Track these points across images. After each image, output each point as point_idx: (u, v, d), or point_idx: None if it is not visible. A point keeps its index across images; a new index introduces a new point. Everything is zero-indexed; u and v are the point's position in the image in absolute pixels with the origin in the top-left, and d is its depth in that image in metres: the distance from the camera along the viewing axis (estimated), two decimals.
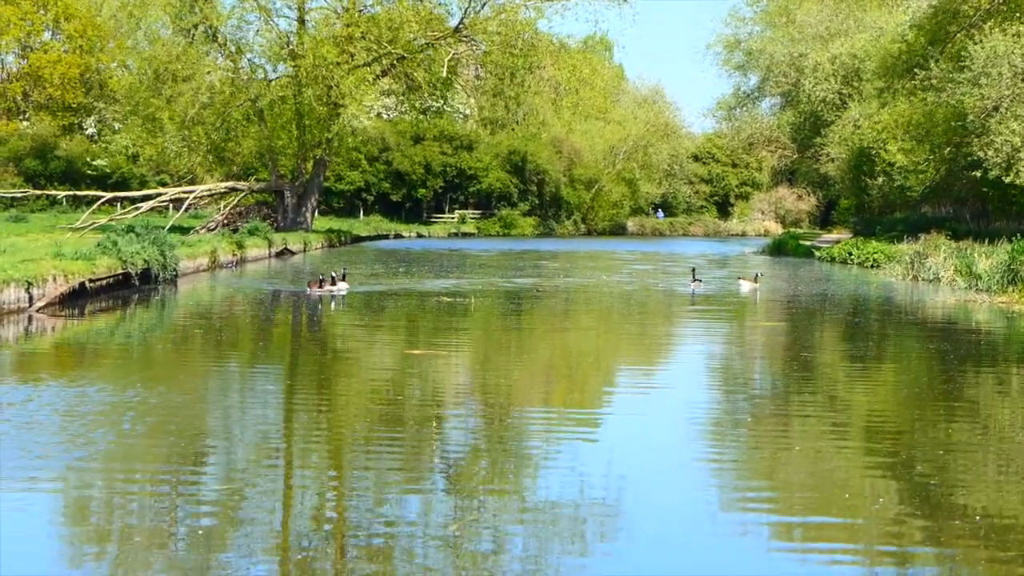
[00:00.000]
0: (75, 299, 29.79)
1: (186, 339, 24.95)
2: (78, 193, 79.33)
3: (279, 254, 61.76)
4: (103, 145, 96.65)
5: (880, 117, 74.65)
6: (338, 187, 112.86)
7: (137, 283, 34.62)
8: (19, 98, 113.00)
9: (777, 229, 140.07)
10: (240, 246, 52.28)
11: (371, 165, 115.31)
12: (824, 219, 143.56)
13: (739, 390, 19.81)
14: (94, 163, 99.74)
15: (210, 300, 34.91)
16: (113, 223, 66.69)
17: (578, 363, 22.72)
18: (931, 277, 47.55)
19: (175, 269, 38.48)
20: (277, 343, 25.11)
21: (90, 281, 30.39)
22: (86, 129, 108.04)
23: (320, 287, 34.76)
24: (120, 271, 33.24)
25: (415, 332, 27.11)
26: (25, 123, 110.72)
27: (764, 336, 27.98)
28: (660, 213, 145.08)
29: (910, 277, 49.47)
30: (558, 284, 43.34)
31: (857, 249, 66.29)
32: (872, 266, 60.45)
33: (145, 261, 34.95)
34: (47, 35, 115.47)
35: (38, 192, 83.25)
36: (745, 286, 41.69)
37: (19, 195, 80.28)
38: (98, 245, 33.33)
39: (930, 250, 51.84)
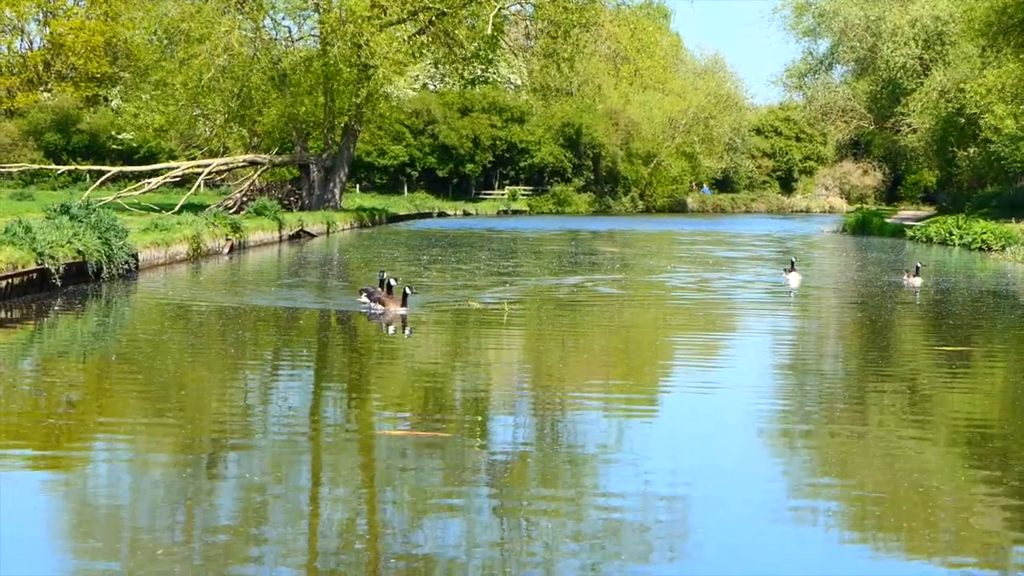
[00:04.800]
0: None
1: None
2: (79, 167, 72.56)
3: (293, 237, 53.51)
4: (128, 118, 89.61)
5: (984, 78, 66.36)
6: (380, 162, 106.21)
7: (59, 283, 25.62)
8: (40, 68, 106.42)
9: (842, 205, 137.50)
10: (236, 228, 42.80)
11: (416, 138, 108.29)
12: (891, 194, 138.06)
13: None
14: (119, 137, 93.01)
15: (161, 317, 24.31)
16: (120, 200, 60.07)
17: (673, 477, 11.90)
18: None
19: (127, 262, 29.56)
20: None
21: None
22: (111, 101, 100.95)
23: (404, 304, 23.63)
24: (35, 267, 24.51)
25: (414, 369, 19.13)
26: (46, 94, 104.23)
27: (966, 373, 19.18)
28: (706, 188, 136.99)
29: None
30: (618, 279, 34.47)
31: (959, 228, 58.31)
32: (981, 249, 52.90)
33: (78, 252, 26.45)
34: (70, 0, 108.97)
35: (36, 167, 76.63)
36: (908, 281, 33.01)
37: (15, 169, 73.37)
38: (5, 231, 24.81)
39: None
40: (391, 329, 22.27)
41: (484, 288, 29.91)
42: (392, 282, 25.01)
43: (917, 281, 32.46)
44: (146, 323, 23.44)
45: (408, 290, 23.87)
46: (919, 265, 33.75)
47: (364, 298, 24.85)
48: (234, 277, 34.33)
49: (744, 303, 29.61)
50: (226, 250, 41.15)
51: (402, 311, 23.47)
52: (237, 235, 42.49)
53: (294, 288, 30.02)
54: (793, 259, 34.98)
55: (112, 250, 27.76)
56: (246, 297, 27.51)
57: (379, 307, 23.92)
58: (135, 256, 30.37)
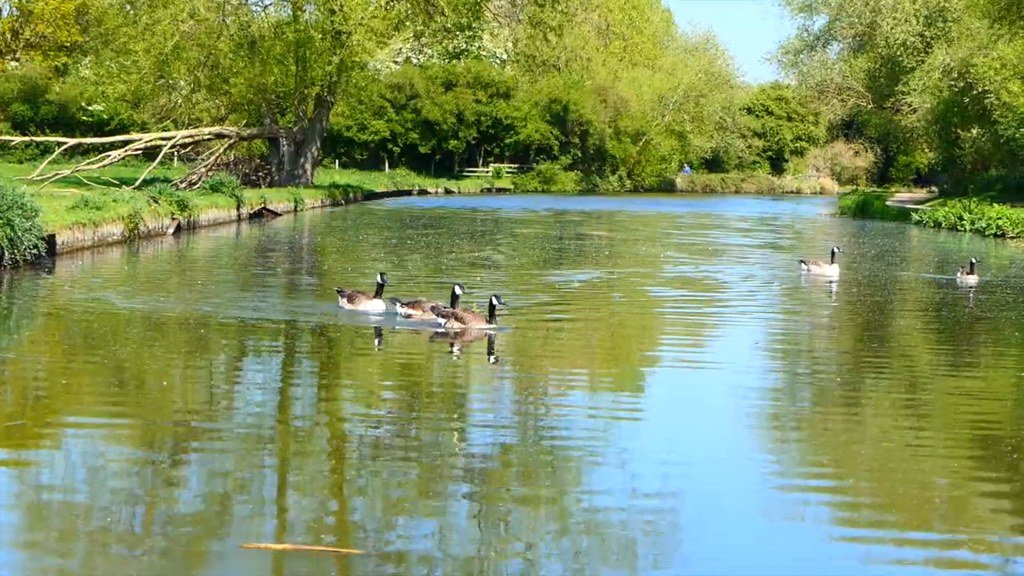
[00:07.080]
0: None
1: None
2: (36, 139, 68.72)
3: (255, 216, 49.30)
4: (91, 87, 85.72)
5: (998, 53, 62.86)
6: (361, 137, 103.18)
7: None
8: (8, 36, 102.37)
9: (833, 186, 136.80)
10: (183, 206, 38.37)
11: (398, 113, 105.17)
12: (882, 176, 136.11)
13: None
14: (90, 108, 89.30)
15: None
16: (78, 174, 56.37)
17: None
18: None
19: (37, 246, 24.83)
20: None
21: None
22: (81, 71, 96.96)
23: (492, 318, 18.15)
24: None
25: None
26: (14, 64, 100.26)
27: None
28: (687, 168, 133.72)
29: None
30: (610, 278, 29.87)
31: (969, 213, 54.89)
32: (996, 235, 49.59)
33: None
34: None
35: None
36: (962, 279, 28.95)
37: None
38: None
39: None
40: (455, 349, 17.44)
41: (477, 285, 25.40)
42: (458, 290, 18.93)
43: (972, 279, 28.45)
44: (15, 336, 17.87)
45: (496, 300, 18.15)
46: (974, 261, 29.37)
47: (373, 305, 19.54)
48: (171, 264, 30.00)
49: (791, 304, 25.64)
50: (171, 230, 37.05)
51: (490, 329, 18.06)
52: (184, 214, 38.32)
53: (251, 281, 25.52)
54: (835, 248, 30.78)
55: (16, 232, 23.61)
56: (182, 294, 22.45)
57: (454, 324, 18.21)
58: (49, 239, 26.17)
